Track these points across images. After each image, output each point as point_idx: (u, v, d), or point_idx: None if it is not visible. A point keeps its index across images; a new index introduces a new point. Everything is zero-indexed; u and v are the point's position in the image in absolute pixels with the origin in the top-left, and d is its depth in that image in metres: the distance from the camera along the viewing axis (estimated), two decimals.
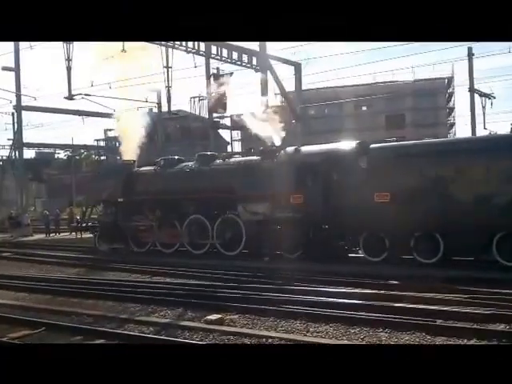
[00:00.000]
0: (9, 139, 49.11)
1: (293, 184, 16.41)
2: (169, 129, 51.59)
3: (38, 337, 9.38)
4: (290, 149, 17.79)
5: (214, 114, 36.66)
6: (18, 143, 37.26)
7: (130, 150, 23.11)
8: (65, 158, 56.23)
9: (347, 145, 16.96)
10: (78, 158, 60.34)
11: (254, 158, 18.44)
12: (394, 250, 15.23)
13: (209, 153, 20.80)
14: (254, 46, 31.99)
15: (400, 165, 14.97)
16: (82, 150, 62.35)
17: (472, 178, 14.01)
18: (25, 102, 36.18)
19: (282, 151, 17.77)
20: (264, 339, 8.52)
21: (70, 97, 30.54)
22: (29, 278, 15.66)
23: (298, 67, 37.03)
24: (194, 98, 45.89)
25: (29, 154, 65.71)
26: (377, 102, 57.17)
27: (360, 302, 10.42)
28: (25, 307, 11.93)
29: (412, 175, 14.76)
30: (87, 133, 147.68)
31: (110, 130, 64.55)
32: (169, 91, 37.22)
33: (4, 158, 50.47)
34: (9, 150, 44.02)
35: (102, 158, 59.90)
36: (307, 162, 16.58)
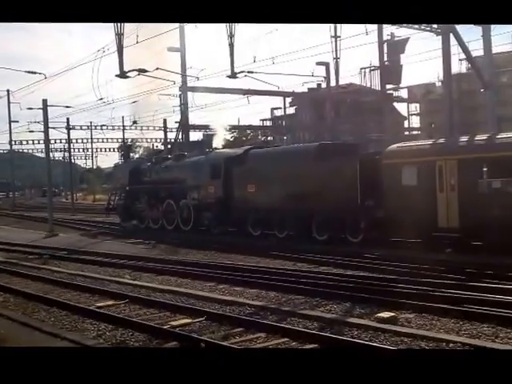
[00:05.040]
0: (176, 122, 51.83)
1: (209, 178, 24.46)
2: (338, 105, 51.17)
3: (199, 326, 9.65)
4: (216, 151, 26.78)
5: (388, 86, 35.60)
6: (183, 125, 39.21)
7: None
8: (231, 139, 58.31)
9: (241, 149, 25.23)
10: (244, 138, 62.21)
11: (202, 156, 26.08)
12: (268, 227, 22.23)
13: (186, 153, 28.94)
14: None
15: (257, 165, 22.89)
16: (248, 131, 64.20)
17: (294, 176, 20.91)
18: (189, 82, 37.77)
19: (211, 153, 26.32)
20: (444, 343, 7.98)
21: (233, 75, 31.13)
22: (190, 263, 16.36)
23: (486, 27, 34.45)
24: (364, 68, 44.95)
25: (196, 135, 68.97)
26: None
27: None
28: (187, 294, 12.41)
29: (264, 173, 22.20)
30: (253, 112, 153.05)
31: (277, 108, 65.84)
32: (337, 63, 36.80)
33: (172, 140, 53.45)
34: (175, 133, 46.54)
35: (269, 138, 61.18)
36: (215, 161, 24.75)
